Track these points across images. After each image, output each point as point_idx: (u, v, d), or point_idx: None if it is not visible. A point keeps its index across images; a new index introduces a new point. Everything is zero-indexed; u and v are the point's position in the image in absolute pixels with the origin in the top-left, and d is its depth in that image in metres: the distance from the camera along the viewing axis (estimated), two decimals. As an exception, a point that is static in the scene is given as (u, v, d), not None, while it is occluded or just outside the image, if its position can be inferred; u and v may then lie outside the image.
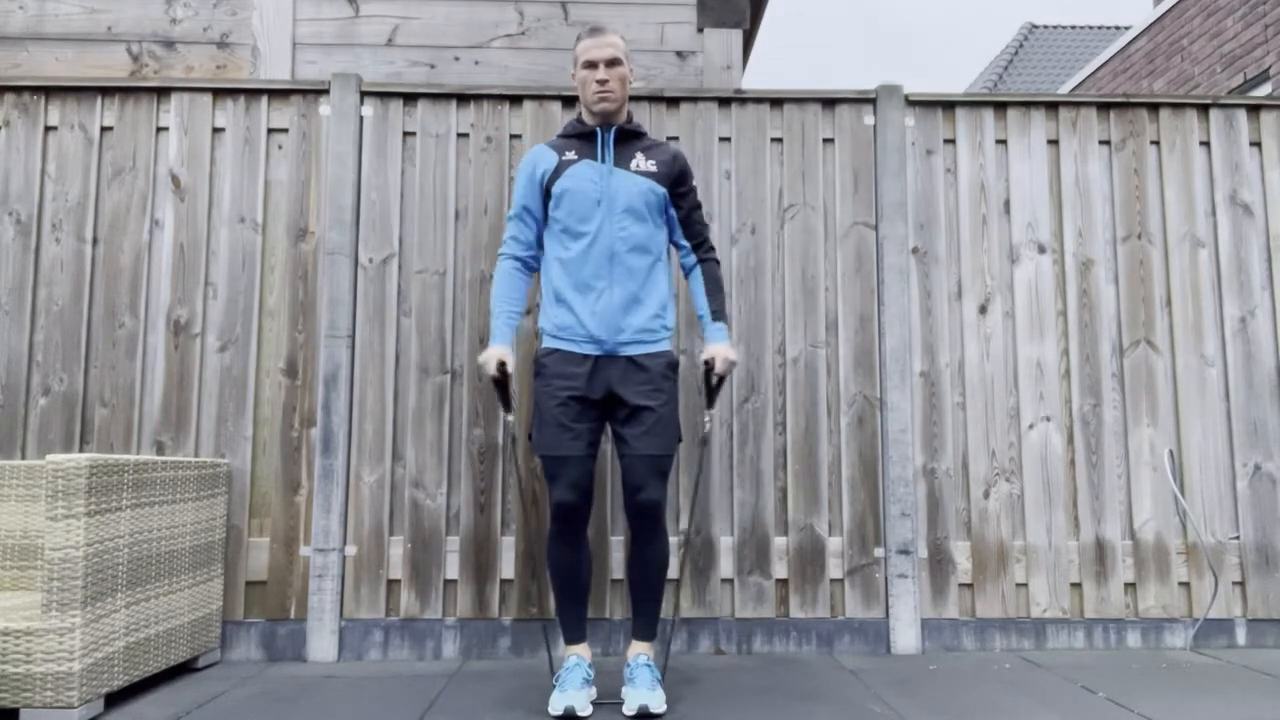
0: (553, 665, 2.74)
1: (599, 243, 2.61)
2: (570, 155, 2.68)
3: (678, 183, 2.74)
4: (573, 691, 2.49)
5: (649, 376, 2.61)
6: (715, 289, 2.78)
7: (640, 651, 2.63)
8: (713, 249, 2.82)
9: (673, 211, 2.76)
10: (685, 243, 2.79)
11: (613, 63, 2.65)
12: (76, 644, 2.37)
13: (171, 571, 2.80)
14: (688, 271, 2.82)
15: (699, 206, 2.80)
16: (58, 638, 2.37)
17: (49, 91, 3.33)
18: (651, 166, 2.70)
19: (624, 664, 2.67)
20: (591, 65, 2.65)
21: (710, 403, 2.76)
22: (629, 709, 2.47)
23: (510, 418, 2.80)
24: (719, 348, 2.72)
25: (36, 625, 2.37)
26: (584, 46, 2.68)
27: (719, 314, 2.76)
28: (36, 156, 3.30)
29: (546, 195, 2.69)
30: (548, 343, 2.67)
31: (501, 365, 2.66)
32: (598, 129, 2.70)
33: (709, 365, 2.73)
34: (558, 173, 2.67)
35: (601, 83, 2.63)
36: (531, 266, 2.78)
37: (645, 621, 2.67)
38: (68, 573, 2.38)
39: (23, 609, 2.46)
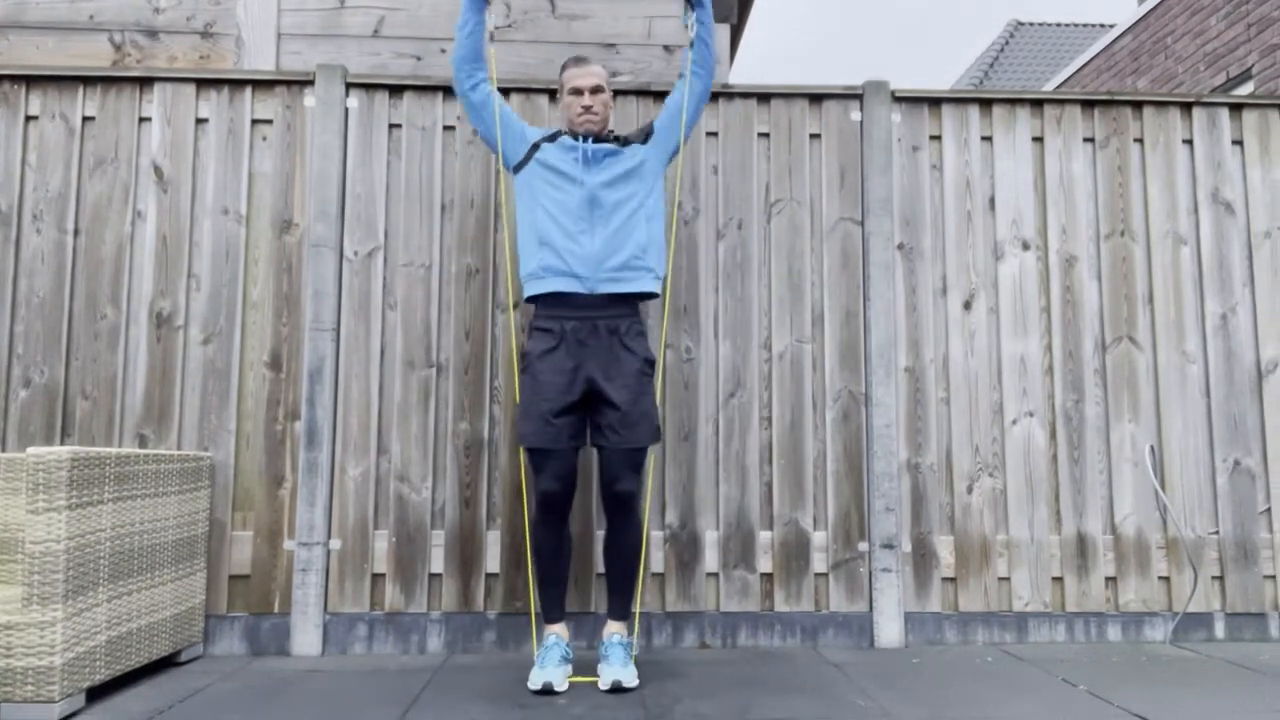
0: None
1: (581, 193, 2.78)
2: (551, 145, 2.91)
3: (651, 129, 2.92)
4: (551, 668, 2.66)
5: (628, 372, 2.74)
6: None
7: (614, 630, 2.80)
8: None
9: (670, 138, 2.92)
10: (686, 72, 2.93)
11: (596, 90, 2.88)
12: (58, 638, 2.36)
13: (154, 565, 2.78)
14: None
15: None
16: (39, 632, 2.35)
17: (30, 80, 3.30)
18: (633, 161, 2.85)
19: (599, 642, 2.77)
20: (578, 91, 2.88)
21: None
22: (603, 684, 2.64)
23: None
24: None
25: (17, 619, 2.35)
26: (570, 75, 2.92)
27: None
28: (17, 146, 3.27)
29: (532, 147, 2.87)
30: (530, 289, 2.81)
31: None
32: (579, 137, 2.88)
33: None
34: (542, 143, 2.88)
35: (587, 108, 2.87)
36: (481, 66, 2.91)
37: (619, 602, 2.84)
38: (49, 566, 2.36)
39: (3, 603, 2.43)
